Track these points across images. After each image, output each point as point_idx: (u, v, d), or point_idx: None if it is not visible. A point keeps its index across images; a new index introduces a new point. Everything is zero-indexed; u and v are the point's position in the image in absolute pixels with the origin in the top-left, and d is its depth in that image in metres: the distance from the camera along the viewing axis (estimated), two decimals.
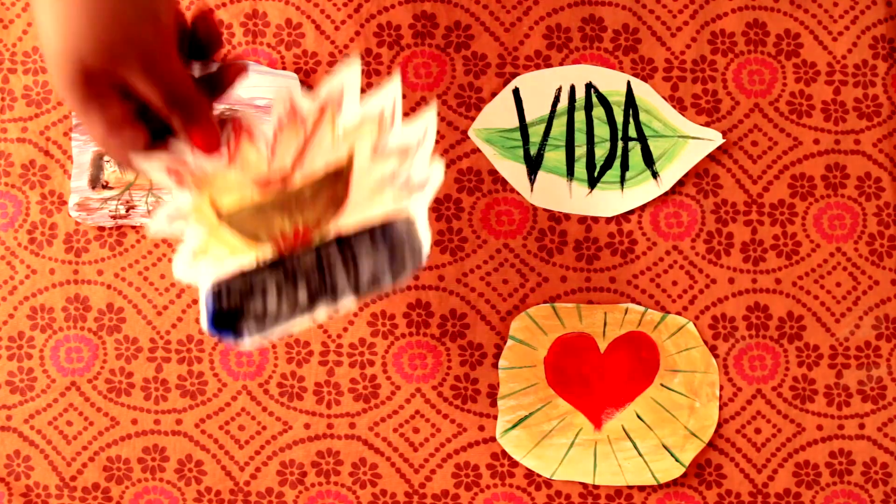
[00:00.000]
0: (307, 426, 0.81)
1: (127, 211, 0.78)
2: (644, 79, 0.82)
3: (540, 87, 0.78)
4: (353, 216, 0.63)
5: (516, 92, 0.77)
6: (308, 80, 0.82)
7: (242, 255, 0.63)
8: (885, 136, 0.82)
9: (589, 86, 0.77)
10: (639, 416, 0.78)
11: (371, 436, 0.80)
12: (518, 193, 0.82)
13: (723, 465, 0.80)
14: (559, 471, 0.78)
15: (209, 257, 0.63)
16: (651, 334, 0.79)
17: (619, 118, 0.76)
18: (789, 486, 0.80)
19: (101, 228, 0.81)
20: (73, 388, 0.81)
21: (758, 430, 0.80)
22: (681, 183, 0.81)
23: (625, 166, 0.74)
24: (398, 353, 0.81)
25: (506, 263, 0.81)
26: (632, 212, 0.81)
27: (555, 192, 0.75)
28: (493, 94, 0.82)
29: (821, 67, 0.82)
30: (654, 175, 0.74)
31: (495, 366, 0.80)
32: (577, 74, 0.78)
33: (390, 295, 0.79)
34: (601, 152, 0.75)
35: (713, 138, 0.79)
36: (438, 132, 0.82)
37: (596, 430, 0.78)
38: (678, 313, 0.81)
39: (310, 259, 0.63)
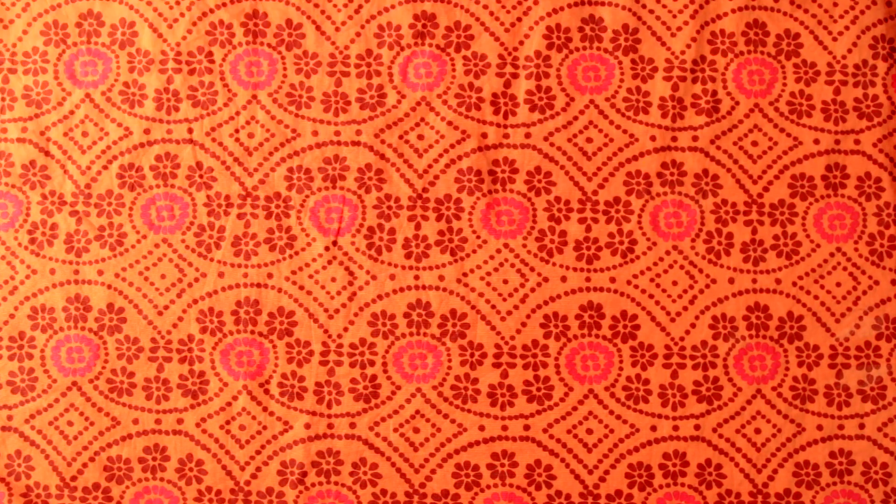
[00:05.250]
0: (308, 426, 0.81)
1: None
2: (644, 79, 0.82)
3: None
4: None
5: None
6: (308, 81, 0.82)
7: None
8: (885, 136, 0.82)
9: None
10: None
11: (371, 435, 0.81)
12: (518, 193, 0.82)
13: (723, 465, 0.80)
14: None
15: None
16: None
17: None
18: (789, 486, 0.80)
19: (102, 228, 0.82)
20: (75, 388, 0.81)
21: (758, 430, 0.80)
22: (681, 183, 0.82)
23: None
24: (398, 353, 0.81)
25: (506, 263, 0.81)
26: (632, 211, 0.82)
27: None
28: (494, 94, 0.82)
29: (821, 67, 0.82)
30: None
31: (495, 365, 0.81)
32: None
33: (390, 294, 0.79)
34: None
35: None
36: (438, 132, 0.82)
37: None
38: (678, 314, 0.81)
39: None
